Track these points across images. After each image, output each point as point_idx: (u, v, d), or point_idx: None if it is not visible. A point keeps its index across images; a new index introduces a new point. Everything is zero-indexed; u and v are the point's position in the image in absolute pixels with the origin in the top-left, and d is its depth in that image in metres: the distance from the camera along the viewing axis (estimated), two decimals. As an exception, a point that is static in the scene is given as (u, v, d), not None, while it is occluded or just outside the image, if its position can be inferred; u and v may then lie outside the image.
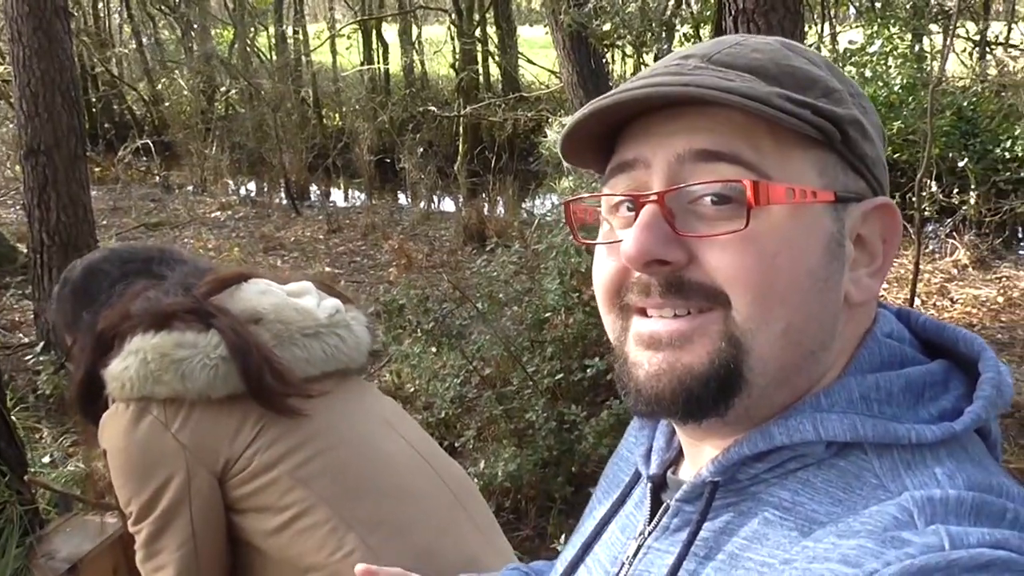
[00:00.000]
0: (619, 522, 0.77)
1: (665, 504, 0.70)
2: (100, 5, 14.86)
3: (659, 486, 0.73)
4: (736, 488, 0.64)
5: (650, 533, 0.70)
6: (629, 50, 9.55)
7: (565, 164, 0.74)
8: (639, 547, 0.70)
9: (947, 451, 0.59)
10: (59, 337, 1.61)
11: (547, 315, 3.81)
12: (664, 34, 6.78)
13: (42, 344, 4.84)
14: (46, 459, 3.45)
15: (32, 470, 2.02)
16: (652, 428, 0.79)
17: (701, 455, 0.68)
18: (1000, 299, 6.06)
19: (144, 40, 14.57)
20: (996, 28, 10.14)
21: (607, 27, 6.29)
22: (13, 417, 2.46)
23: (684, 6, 8.12)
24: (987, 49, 9.49)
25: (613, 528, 0.77)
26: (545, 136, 6.87)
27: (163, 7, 14.08)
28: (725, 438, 0.65)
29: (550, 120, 9.00)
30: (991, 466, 0.61)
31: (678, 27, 7.52)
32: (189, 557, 1.36)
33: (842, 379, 0.63)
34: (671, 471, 0.74)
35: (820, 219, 0.61)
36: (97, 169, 11.20)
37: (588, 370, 3.54)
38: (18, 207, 9.10)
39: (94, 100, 13.50)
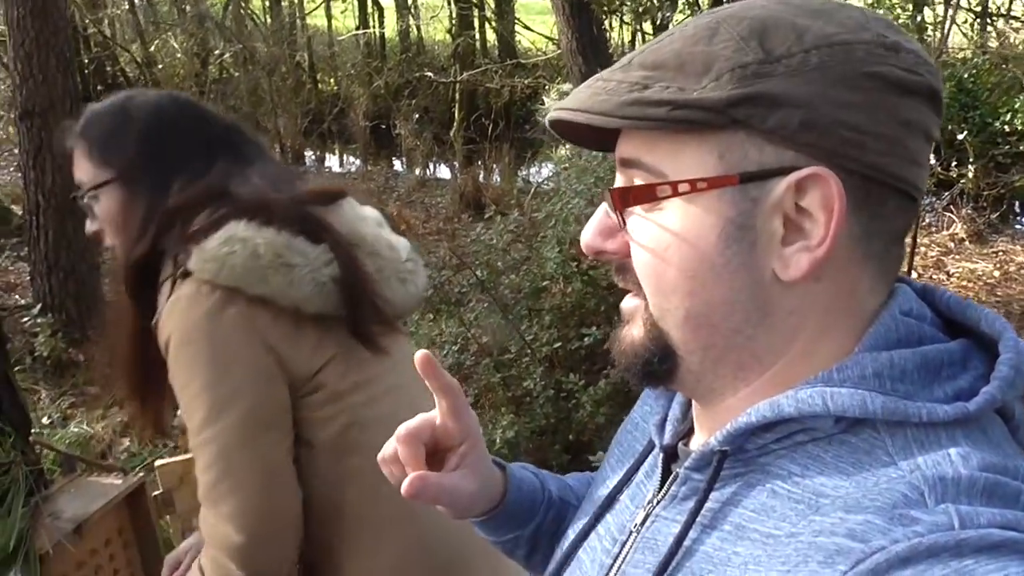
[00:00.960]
0: (630, 491, 0.77)
1: (674, 473, 0.70)
2: (92, -36, 14.64)
3: (671, 457, 0.73)
4: (744, 458, 0.64)
5: (658, 502, 0.70)
6: (628, 17, 9.46)
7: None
8: (647, 515, 0.71)
9: (963, 432, 0.58)
10: (72, 172, 1.39)
11: (545, 284, 3.80)
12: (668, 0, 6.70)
13: (39, 306, 4.83)
14: (45, 420, 3.47)
15: (34, 431, 2.02)
16: (669, 398, 0.79)
17: (711, 426, 0.69)
18: (996, 273, 6.09)
19: (136, 1, 14.36)
20: (998, -1, 10.08)
21: (608, -7, 6.21)
22: (13, 379, 2.45)
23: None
24: (988, 20, 9.43)
25: (624, 497, 0.78)
26: (542, 103, 6.82)
27: (156, -33, 13.88)
28: (733, 410, 0.65)
29: (547, 87, 8.95)
30: (1009, 449, 0.60)
31: (679, -7, 7.42)
32: (275, 475, 1.24)
33: (856, 355, 0.62)
34: (683, 442, 0.74)
35: (715, 205, 0.61)
36: (90, 131, 11.08)
37: (586, 339, 3.54)
38: (12, 168, 9.04)
39: (86, 61, 13.33)
